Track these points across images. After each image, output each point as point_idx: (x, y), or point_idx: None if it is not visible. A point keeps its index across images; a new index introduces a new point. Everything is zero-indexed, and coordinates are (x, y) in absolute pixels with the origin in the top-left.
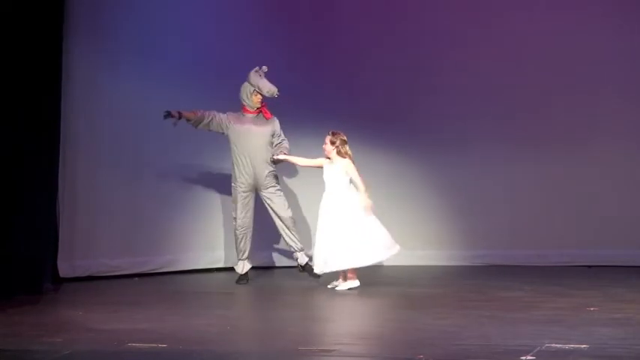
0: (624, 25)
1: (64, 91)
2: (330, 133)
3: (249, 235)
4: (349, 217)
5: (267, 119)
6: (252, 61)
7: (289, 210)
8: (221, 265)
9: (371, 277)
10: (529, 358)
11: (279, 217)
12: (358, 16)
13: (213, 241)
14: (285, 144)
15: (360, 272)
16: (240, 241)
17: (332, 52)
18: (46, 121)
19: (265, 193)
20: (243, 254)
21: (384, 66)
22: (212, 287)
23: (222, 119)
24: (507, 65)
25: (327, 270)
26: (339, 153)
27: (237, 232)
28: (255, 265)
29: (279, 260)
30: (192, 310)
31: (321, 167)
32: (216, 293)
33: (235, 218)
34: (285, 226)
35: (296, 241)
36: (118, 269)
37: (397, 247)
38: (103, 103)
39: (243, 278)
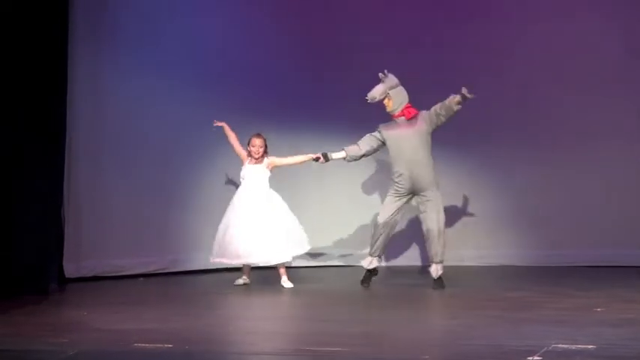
0: None
1: (69, 91)
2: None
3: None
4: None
5: (407, 119)
6: (260, 59)
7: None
8: (224, 265)
9: (377, 276)
10: (536, 358)
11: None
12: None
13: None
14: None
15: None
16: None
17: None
18: (51, 122)
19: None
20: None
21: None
22: (218, 288)
23: (374, 136)
24: None
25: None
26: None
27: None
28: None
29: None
30: (198, 310)
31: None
32: (221, 294)
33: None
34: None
35: (434, 252)
36: (123, 269)
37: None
38: (107, 104)
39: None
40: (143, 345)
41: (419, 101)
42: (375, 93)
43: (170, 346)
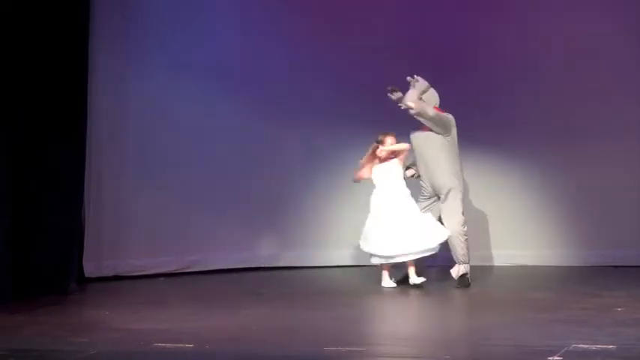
0: None
1: (90, 91)
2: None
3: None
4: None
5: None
6: (278, 58)
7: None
8: (246, 265)
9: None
10: (556, 358)
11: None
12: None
13: (239, 241)
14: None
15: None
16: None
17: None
18: (72, 122)
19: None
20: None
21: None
22: (238, 287)
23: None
24: None
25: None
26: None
27: None
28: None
29: (311, 259)
30: (218, 309)
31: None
32: (242, 293)
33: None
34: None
35: (454, 254)
36: (143, 269)
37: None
38: (128, 104)
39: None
40: (164, 345)
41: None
42: (409, 100)
43: (191, 345)
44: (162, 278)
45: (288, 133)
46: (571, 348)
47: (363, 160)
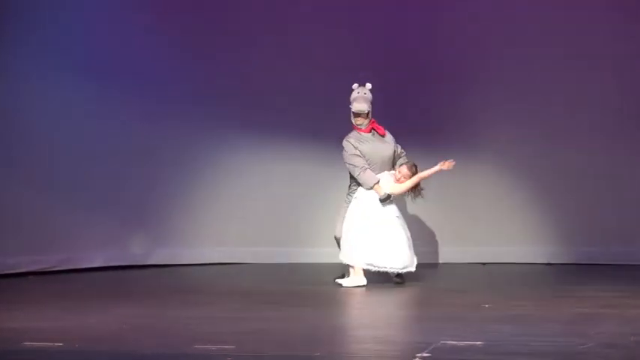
0: None
1: None
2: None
3: None
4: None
5: (380, 134)
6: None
7: None
8: (116, 263)
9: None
10: (425, 355)
11: None
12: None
13: (109, 239)
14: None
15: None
16: None
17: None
18: None
19: None
20: None
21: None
22: (108, 286)
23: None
24: None
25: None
26: None
27: None
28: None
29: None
30: (89, 308)
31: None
32: (112, 291)
33: None
34: None
35: None
36: (13, 267)
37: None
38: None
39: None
40: (32, 344)
41: None
42: (366, 106)
43: (60, 344)
44: (31, 277)
45: (159, 132)
46: (439, 344)
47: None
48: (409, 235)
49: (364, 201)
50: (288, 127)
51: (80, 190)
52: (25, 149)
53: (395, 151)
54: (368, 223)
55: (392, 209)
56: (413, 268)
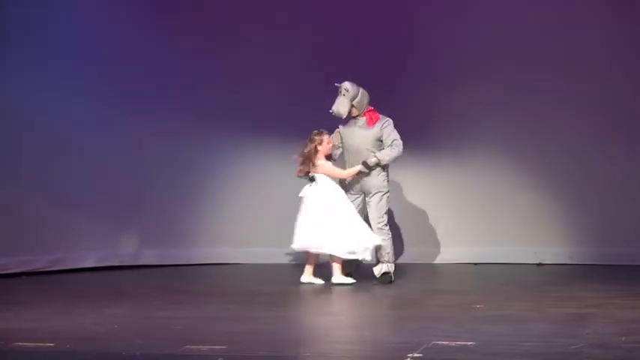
0: None
1: None
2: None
3: None
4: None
5: (369, 126)
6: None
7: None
8: (107, 263)
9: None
10: (416, 355)
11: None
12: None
13: (101, 239)
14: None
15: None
16: None
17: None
18: None
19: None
20: None
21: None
22: (100, 286)
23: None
24: None
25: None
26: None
27: None
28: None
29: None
30: (80, 308)
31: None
32: (103, 292)
33: None
34: None
35: (381, 252)
36: (4, 268)
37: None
38: None
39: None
40: (23, 344)
41: None
42: (341, 109)
43: (51, 344)
44: (22, 277)
45: (150, 132)
46: (431, 345)
47: (303, 157)
48: (362, 224)
49: (309, 196)
50: (286, 127)
51: (72, 190)
52: (15, 150)
53: (379, 140)
54: (316, 211)
55: (338, 198)
56: (367, 257)
